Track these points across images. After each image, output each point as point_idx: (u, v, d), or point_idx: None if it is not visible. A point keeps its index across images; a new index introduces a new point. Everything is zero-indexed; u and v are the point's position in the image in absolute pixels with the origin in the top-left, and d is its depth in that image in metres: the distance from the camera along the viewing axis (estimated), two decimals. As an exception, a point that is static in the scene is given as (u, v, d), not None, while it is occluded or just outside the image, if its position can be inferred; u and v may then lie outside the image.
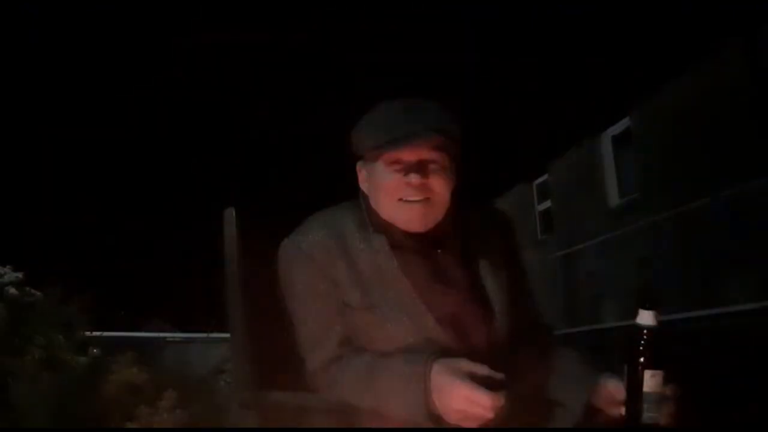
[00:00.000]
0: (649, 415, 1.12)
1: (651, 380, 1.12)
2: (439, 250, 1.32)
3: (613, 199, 9.47)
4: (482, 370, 1.15)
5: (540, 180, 11.54)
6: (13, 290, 4.23)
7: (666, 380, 1.13)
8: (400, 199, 1.28)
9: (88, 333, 4.67)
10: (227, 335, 1.39)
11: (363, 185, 1.37)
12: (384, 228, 1.32)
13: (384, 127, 1.28)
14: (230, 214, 1.40)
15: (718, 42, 6.77)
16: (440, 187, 1.29)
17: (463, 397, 1.12)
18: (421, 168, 1.28)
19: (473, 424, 1.13)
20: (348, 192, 1.41)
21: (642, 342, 1.13)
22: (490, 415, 1.11)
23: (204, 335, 5.80)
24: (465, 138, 1.32)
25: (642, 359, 1.13)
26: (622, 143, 9.24)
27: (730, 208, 6.70)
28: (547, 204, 11.32)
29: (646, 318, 1.14)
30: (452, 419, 1.14)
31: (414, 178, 1.27)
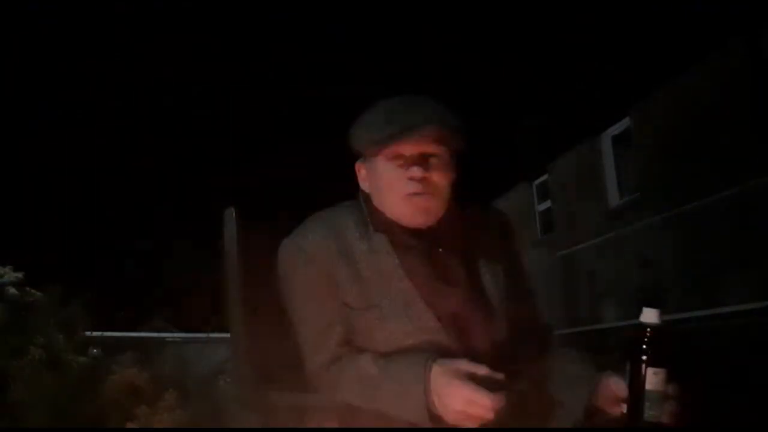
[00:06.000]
0: (650, 413, 1.12)
1: (653, 378, 1.12)
2: (440, 250, 1.31)
3: (613, 199, 9.46)
4: (482, 370, 1.14)
5: (540, 180, 11.53)
6: (13, 290, 4.23)
7: (668, 379, 1.13)
8: (403, 194, 1.28)
9: (88, 333, 4.67)
10: (227, 335, 1.39)
11: (363, 184, 1.37)
12: (385, 227, 1.31)
13: (383, 121, 1.28)
14: (230, 214, 1.40)
15: (718, 42, 6.77)
16: (442, 181, 1.29)
17: (463, 397, 1.12)
18: (422, 161, 1.27)
19: (473, 425, 1.13)
20: (348, 192, 1.41)
21: (645, 340, 1.13)
22: (490, 415, 1.11)
23: (204, 335, 5.79)
24: (466, 133, 1.31)
25: (645, 357, 1.13)
26: (622, 143, 9.24)
27: (730, 208, 6.69)
28: (547, 204, 11.31)
29: (649, 316, 1.14)
30: (452, 420, 1.14)
31: (416, 171, 1.26)
